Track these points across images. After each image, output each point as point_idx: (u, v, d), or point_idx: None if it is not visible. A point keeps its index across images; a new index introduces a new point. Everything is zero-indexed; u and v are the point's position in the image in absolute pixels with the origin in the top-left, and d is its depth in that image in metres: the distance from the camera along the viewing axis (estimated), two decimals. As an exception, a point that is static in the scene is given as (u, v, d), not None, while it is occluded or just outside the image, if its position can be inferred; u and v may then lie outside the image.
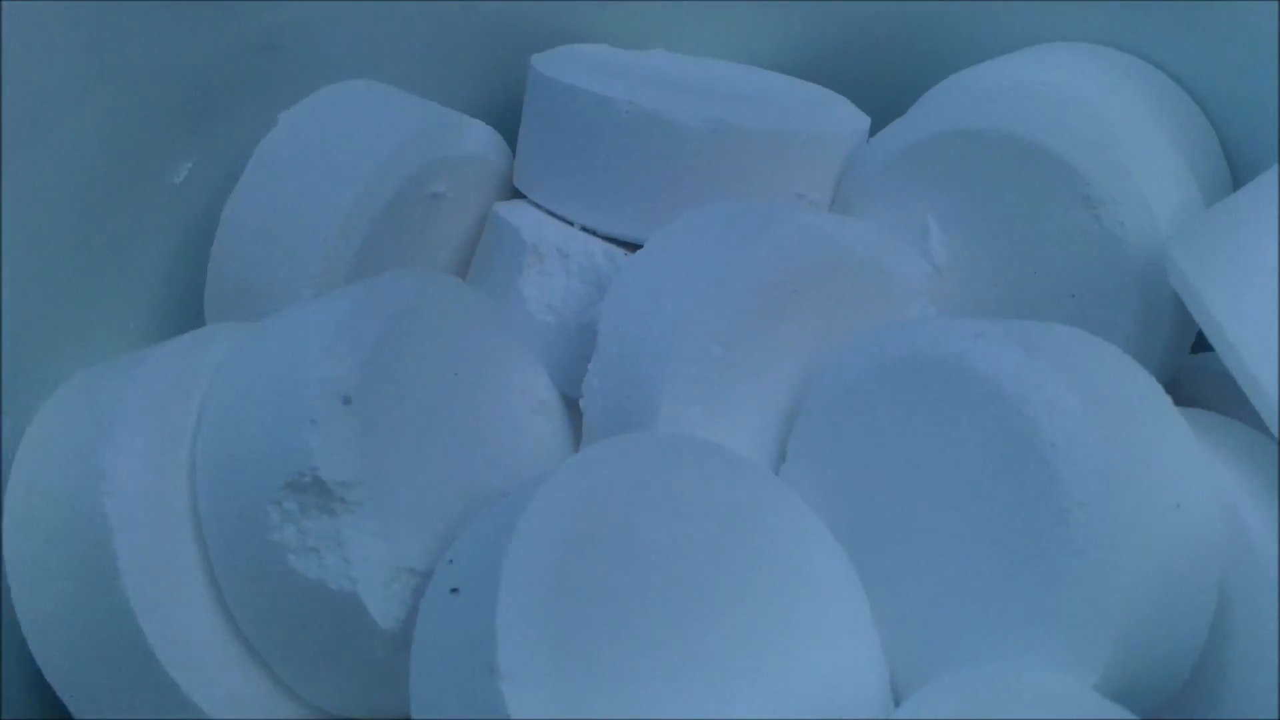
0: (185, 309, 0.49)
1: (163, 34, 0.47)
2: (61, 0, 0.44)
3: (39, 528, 0.39)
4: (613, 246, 0.48)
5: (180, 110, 0.48)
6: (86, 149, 0.46)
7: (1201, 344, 0.44)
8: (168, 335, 0.43)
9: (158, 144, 0.48)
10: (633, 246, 0.47)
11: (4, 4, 0.42)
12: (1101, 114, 0.46)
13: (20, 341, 0.44)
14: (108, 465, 0.38)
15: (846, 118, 0.50)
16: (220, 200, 0.48)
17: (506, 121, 0.52)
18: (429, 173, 0.49)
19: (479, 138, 0.51)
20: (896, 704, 0.37)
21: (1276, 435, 0.37)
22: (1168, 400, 0.38)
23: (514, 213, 0.50)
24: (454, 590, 0.34)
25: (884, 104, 0.51)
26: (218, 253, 0.47)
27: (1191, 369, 0.45)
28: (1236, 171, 0.48)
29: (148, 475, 0.38)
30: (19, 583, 0.39)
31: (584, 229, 0.48)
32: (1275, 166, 0.40)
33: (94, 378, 0.42)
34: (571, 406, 0.45)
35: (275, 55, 0.50)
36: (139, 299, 0.49)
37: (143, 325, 0.49)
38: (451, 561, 0.35)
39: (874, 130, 0.49)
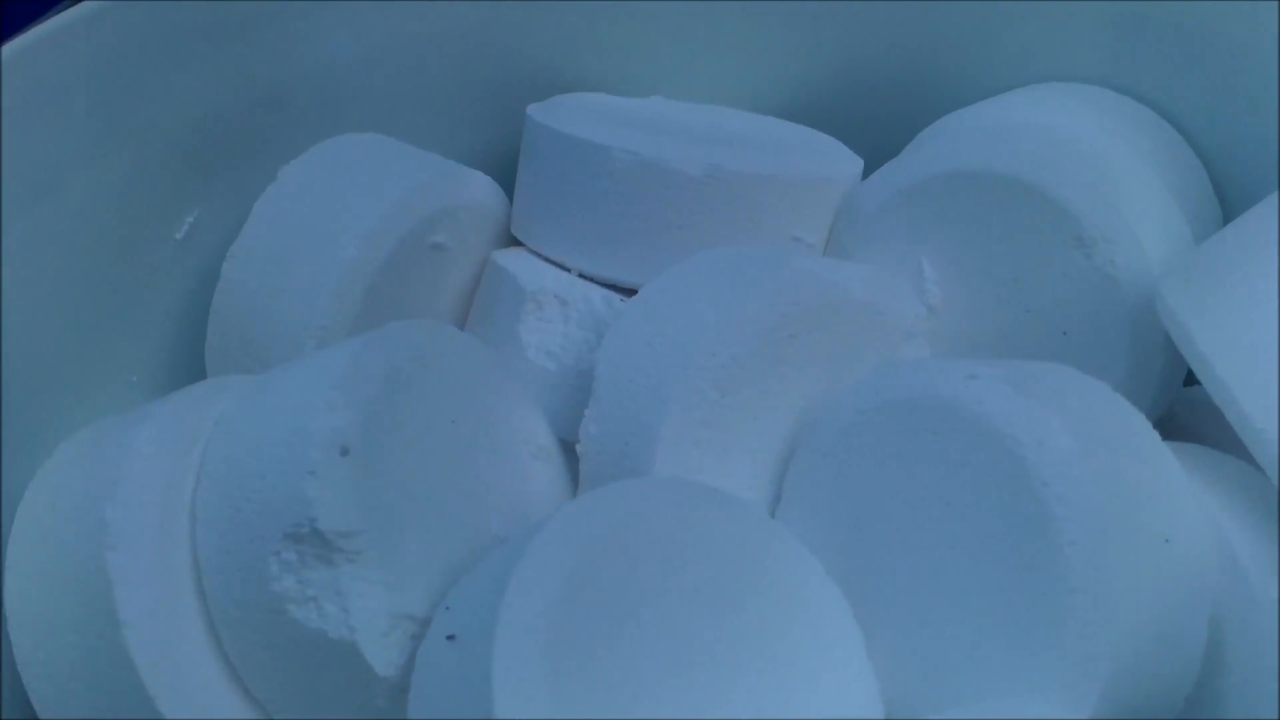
0: (188, 363, 0.49)
1: (166, 93, 0.47)
2: (66, 60, 0.44)
3: (41, 580, 0.39)
4: (611, 293, 0.48)
5: (183, 166, 0.49)
6: (90, 206, 0.46)
7: (1194, 380, 0.44)
8: (171, 389, 0.44)
9: (160, 200, 0.48)
10: (631, 292, 0.47)
11: (10, 65, 0.43)
12: (1092, 153, 0.47)
13: (24, 395, 0.44)
14: (110, 518, 0.38)
15: (841, 161, 0.50)
16: (222, 254, 0.48)
17: (505, 170, 0.53)
18: (430, 224, 0.49)
19: (478, 188, 0.51)
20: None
21: (1272, 467, 0.37)
22: (1157, 437, 0.38)
23: (512, 261, 0.50)
24: (451, 637, 0.34)
25: (877, 146, 0.51)
26: (219, 306, 0.48)
27: (1184, 401, 0.46)
28: (1227, 208, 0.49)
29: (150, 528, 0.38)
30: (21, 634, 0.39)
31: (582, 276, 0.49)
32: (1262, 203, 0.40)
33: (97, 432, 0.42)
34: (571, 452, 0.45)
35: (276, 111, 0.51)
36: (142, 353, 0.49)
37: (146, 379, 0.49)
38: (449, 608, 0.35)
39: (867, 172, 0.50)
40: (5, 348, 0.44)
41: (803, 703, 0.36)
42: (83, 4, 0.45)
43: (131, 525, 0.38)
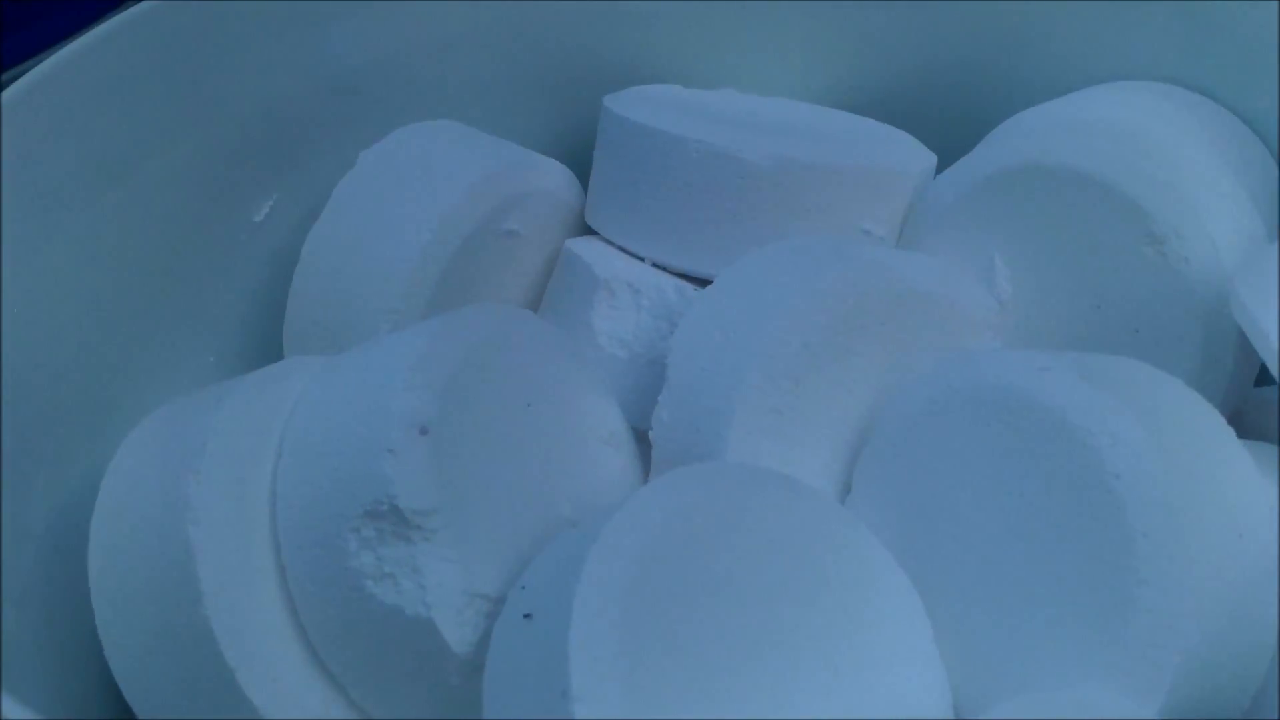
0: (265, 343, 0.50)
1: (246, 77, 0.48)
2: (148, 45, 0.45)
3: (124, 553, 0.39)
4: (683, 282, 0.48)
5: (262, 150, 0.49)
6: (171, 188, 0.47)
7: (1265, 377, 0.44)
8: (248, 369, 0.44)
9: (240, 183, 0.49)
10: (702, 282, 0.47)
11: (93, 49, 0.44)
12: (1165, 150, 0.46)
13: (107, 374, 0.45)
14: (192, 493, 0.38)
15: (913, 155, 0.50)
16: (300, 237, 0.49)
17: (579, 160, 0.53)
18: (504, 210, 0.50)
19: (552, 176, 0.52)
20: (961, 730, 0.38)
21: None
22: (1230, 432, 0.38)
23: (586, 249, 0.50)
24: (527, 616, 0.34)
25: (951, 142, 0.51)
26: (298, 288, 0.48)
27: (1255, 401, 0.45)
28: (1301, 207, 0.48)
29: (230, 503, 0.39)
30: (104, 605, 0.40)
31: (654, 264, 0.49)
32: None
33: (178, 409, 0.42)
34: (641, 439, 0.45)
35: (354, 97, 0.51)
36: (221, 333, 0.50)
37: (223, 359, 0.50)
38: (525, 588, 0.35)
39: (941, 167, 0.50)
40: (86, 327, 0.44)
41: (869, 689, 0.36)
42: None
43: (213, 500, 0.39)
